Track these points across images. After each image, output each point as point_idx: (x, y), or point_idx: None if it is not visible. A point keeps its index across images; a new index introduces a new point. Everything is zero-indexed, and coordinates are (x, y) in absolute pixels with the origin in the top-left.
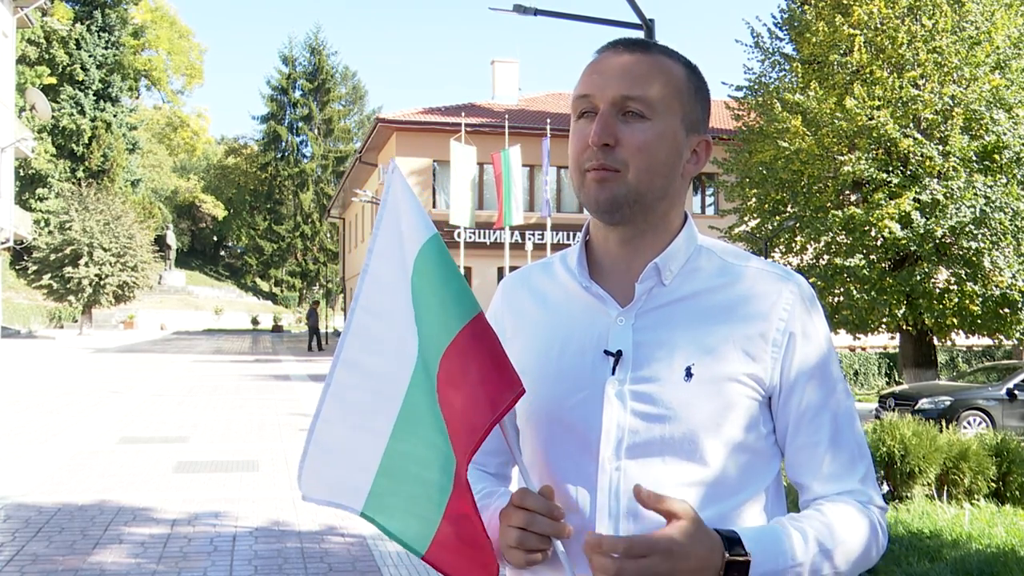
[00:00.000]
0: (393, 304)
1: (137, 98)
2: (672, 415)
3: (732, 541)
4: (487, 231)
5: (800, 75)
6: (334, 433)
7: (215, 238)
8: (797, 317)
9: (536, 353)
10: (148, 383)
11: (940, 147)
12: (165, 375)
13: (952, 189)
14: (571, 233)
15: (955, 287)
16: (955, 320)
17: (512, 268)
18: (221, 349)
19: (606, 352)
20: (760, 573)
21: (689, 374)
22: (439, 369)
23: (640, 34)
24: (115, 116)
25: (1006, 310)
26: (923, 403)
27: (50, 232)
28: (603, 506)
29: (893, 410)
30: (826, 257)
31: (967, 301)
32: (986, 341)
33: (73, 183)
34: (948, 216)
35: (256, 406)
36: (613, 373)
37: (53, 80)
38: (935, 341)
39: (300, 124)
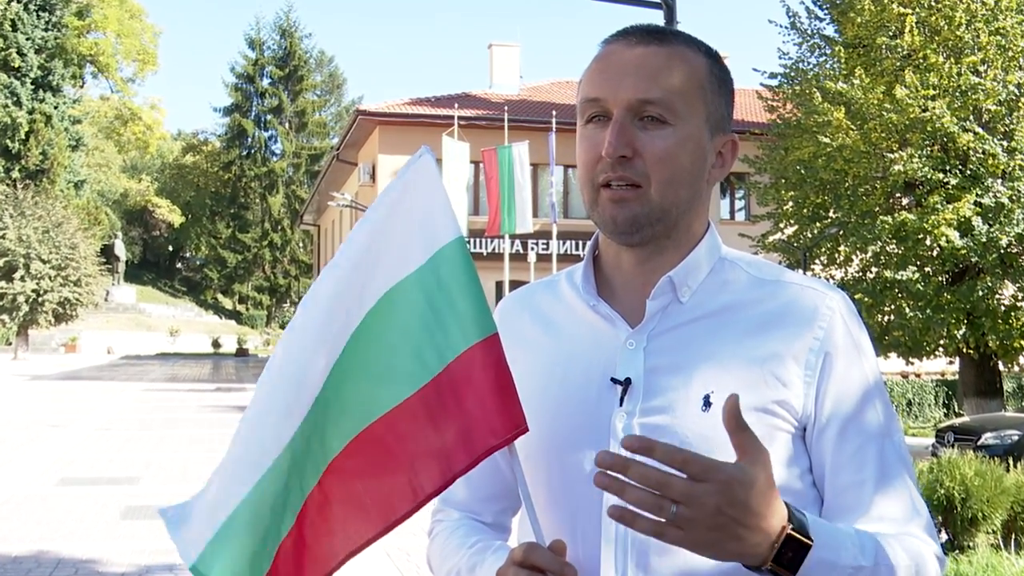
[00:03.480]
0: (330, 309)
1: (82, 87)
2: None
3: (799, 519)
4: (484, 240)
5: (843, 60)
6: (222, 465)
7: (170, 248)
8: (835, 336)
9: (536, 382)
10: (92, 415)
11: (1004, 143)
12: (112, 406)
13: (1019, 191)
14: (580, 242)
15: (1023, 304)
16: (1023, 342)
17: (513, 281)
18: (177, 376)
19: (613, 380)
20: (817, 558)
21: (707, 403)
22: (427, 389)
23: (659, 15)
24: (56, 108)
25: None
26: (987, 438)
27: None
28: (608, 557)
29: (952, 446)
30: (874, 270)
31: None
32: None
33: (7, 185)
34: (1014, 222)
35: (217, 442)
36: (621, 404)
37: None
38: (1000, 366)
39: (269, 117)
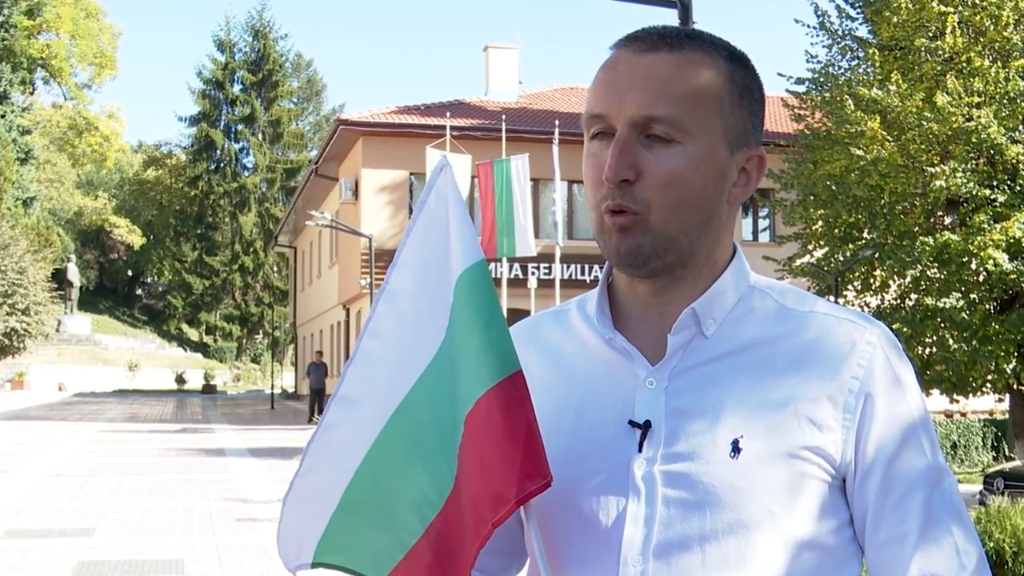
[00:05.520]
0: (413, 329)
1: (32, 94)
2: (714, 502)
3: None
4: None
5: (878, 64)
6: (309, 483)
7: (130, 273)
8: (876, 374)
9: (546, 425)
10: (42, 460)
11: None
12: (64, 449)
13: None
14: (586, 266)
15: None
16: None
17: (512, 310)
18: (136, 415)
19: (631, 423)
20: None
21: (736, 449)
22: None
23: (674, 14)
24: (3, 117)
25: None
26: None
27: None
28: None
29: (1002, 493)
30: (914, 297)
31: None
32: None
33: None
34: None
35: (181, 489)
36: (640, 449)
37: None
38: None
39: (240, 127)
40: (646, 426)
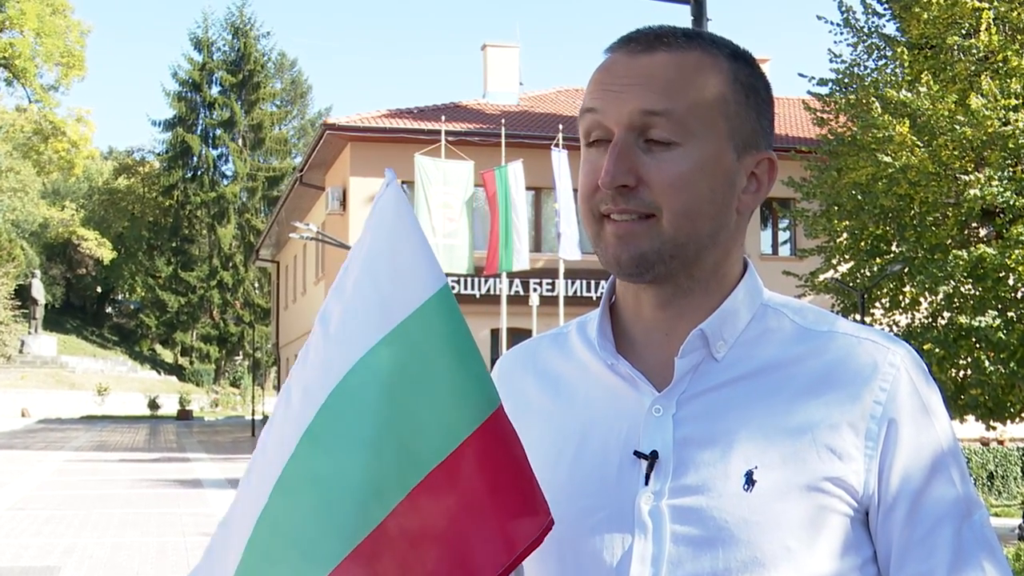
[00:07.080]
0: (325, 361)
1: None
2: (727, 539)
3: None
4: (477, 280)
5: (907, 64)
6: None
7: (99, 289)
8: (900, 398)
9: (545, 458)
10: (3, 492)
11: None
12: (28, 480)
13: None
14: (592, 282)
15: None
16: None
17: (511, 329)
18: (106, 444)
19: (637, 454)
20: None
21: (750, 481)
22: (426, 482)
23: (686, 11)
24: None
25: None
26: None
27: None
28: None
29: None
30: (946, 315)
31: None
32: None
33: None
34: None
35: (154, 523)
36: (647, 483)
37: None
38: None
39: (218, 132)
40: (653, 457)
